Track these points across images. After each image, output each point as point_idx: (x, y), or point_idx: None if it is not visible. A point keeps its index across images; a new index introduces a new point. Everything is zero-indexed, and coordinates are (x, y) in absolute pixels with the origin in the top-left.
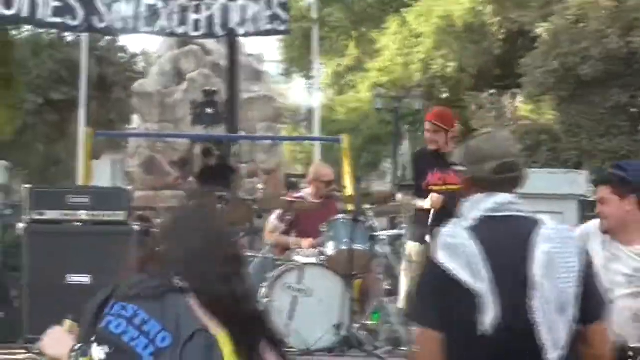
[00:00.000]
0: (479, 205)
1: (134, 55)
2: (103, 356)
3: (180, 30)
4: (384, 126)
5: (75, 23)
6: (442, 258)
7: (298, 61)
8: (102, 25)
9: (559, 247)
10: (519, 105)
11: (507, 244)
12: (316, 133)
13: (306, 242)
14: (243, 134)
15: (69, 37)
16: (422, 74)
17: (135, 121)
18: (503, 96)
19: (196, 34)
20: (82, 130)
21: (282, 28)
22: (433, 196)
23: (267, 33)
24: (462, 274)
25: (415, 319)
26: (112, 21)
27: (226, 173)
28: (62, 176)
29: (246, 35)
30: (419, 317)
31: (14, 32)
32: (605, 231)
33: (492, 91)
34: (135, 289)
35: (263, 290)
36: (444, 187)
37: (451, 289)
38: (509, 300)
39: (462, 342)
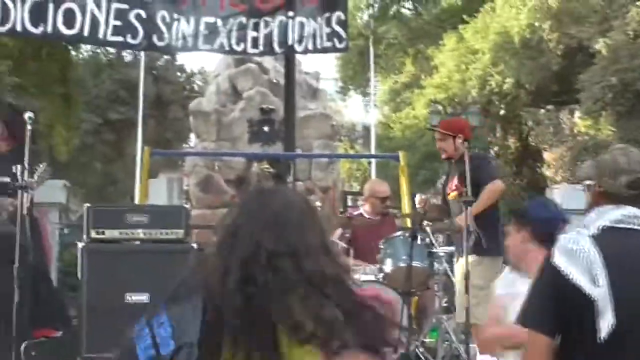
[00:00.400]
0: (605, 216)
1: (191, 74)
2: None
3: (239, 47)
4: None
5: (135, 41)
6: (561, 263)
7: (354, 79)
8: (162, 43)
9: None
10: (577, 121)
11: (628, 255)
12: (372, 150)
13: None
14: (300, 151)
15: (128, 57)
16: (479, 90)
17: (192, 140)
18: (561, 112)
19: (255, 51)
20: (139, 149)
21: (341, 46)
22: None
23: (326, 50)
24: (581, 280)
25: (528, 321)
26: (172, 39)
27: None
28: (119, 195)
29: (305, 52)
30: (531, 320)
31: (73, 53)
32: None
33: (549, 107)
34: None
35: None
36: (450, 197)
37: (568, 294)
38: (627, 309)
39: (577, 347)
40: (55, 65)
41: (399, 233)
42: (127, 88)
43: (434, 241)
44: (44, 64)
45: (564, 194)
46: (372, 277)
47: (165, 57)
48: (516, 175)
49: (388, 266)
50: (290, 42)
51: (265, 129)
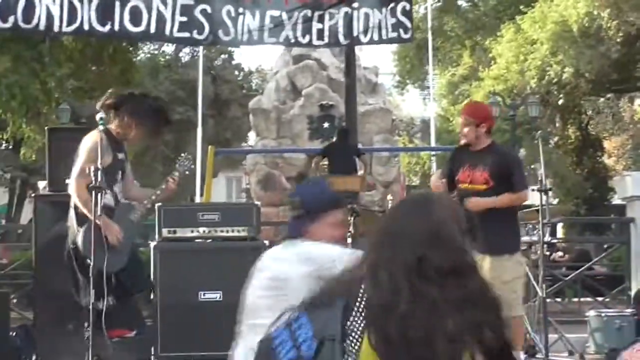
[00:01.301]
0: None
1: (249, 73)
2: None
3: (305, 40)
4: (500, 135)
5: (201, 37)
6: None
7: (411, 72)
8: (228, 38)
9: None
10: (637, 108)
11: None
12: (432, 144)
13: None
14: (361, 146)
15: (185, 57)
16: (538, 80)
17: (252, 138)
18: (620, 100)
19: (320, 43)
20: (199, 149)
21: (407, 36)
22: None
23: (391, 41)
24: None
25: None
26: (238, 33)
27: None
28: (179, 195)
29: (370, 43)
30: None
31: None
32: None
33: (609, 95)
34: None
35: None
36: (469, 187)
37: None
38: None
39: None
40: (116, 67)
41: None
42: (185, 88)
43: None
44: (106, 66)
45: (635, 181)
46: None
47: (223, 56)
48: (577, 165)
49: None
50: (355, 33)
51: (325, 125)
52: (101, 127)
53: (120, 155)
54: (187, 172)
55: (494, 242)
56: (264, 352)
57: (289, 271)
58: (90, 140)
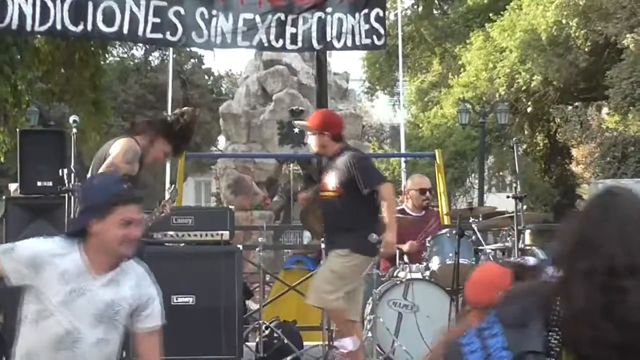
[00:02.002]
0: None
1: (219, 77)
2: None
3: (278, 44)
4: (469, 142)
5: (174, 38)
6: None
7: (381, 79)
8: (201, 40)
9: None
10: (605, 117)
11: None
12: (401, 150)
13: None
14: None
15: (155, 61)
16: (507, 88)
17: (221, 142)
18: (588, 108)
19: (293, 47)
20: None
21: (380, 43)
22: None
23: (365, 47)
24: None
25: None
26: (211, 36)
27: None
28: (148, 199)
29: (343, 48)
30: None
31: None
32: None
33: (577, 104)
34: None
35: (368, 307)
36: (325, 194)
37: None
38: None
39: None
40: (86, 70)
41: (445, 230)
42: (154, 92)
43: (480, 238)
44: (75, 69)
45: None
46: (419, 275)
47: (192, 60)
48: (545, 172)
49: (435, 264)
50: (329, 38)
51: (296, 130)
52: (74, 130)
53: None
54: (173, 202)
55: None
56: (453, 357)
57: None
58: (129, 144)
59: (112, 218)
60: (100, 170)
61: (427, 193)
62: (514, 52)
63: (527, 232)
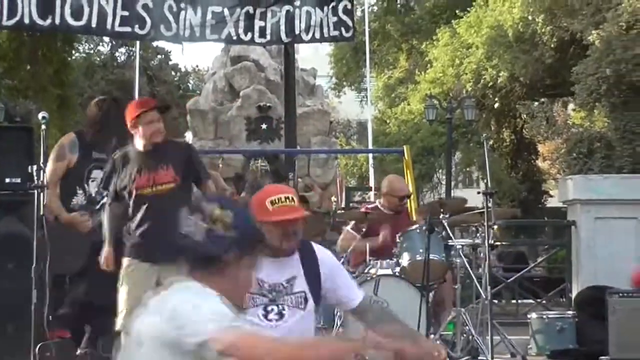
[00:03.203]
0: None
1: (186, 74)
2: None
3: (247, 37)
4: (436, 138)
5: (143, 32)
6: None
7: (348, 75)
8: (170, 33)
9: None
10: (570, 113)
11: None
12: (369, 146)
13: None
14: (299, 147)
15: (121, 57)
16: (474, 84)
17: (188, 139)
18: (554, 105)
19: (262, 40)
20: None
21: (348, 35)
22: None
23: (333, 39)
24: None
25: None
26: (179, 29)
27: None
28: None
29: (312, 41)
30: None
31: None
32: None
33: (543, 100)
34: None
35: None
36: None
37: None
38: None
39: None
40: (50, 67)
41: (415, 226)
42: (122, 88)
43: (450, 234)
44: (40, 66)
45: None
46: (389, 271)
47: (159, 56)
48: (511, 168)
49: (405, 260)
50: (297, 31)
51: (263, 126)
52: (43, 127)
53: (97, 155)
54: None
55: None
56: None
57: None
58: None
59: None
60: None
61: (405, 199)
62: (480, 48)
63: (495, 227)
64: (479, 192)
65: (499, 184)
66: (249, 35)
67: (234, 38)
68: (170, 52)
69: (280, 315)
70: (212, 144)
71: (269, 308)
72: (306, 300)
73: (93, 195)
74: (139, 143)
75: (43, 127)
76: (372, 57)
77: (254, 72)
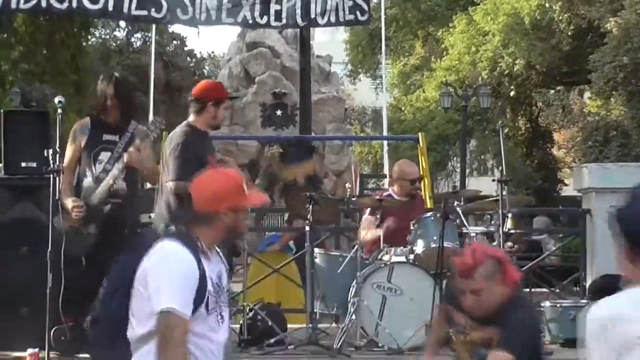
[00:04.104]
0: None
1: (201, 59)
2: None
3: (262, 20)
4: (451, 125)
5: (159, 15)
6: None
7: (363, 62)
8: (186, 17)
9: None
10: (587, 101)
11: None
12: (384, 133)
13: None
14: (314, 134)
15: (137, 42)
16: (490, 72)
17: None
18: (570, 93)
19: (278, 24)
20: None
21: (363, 18)
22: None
23: (348, 23)
24: None
25: None
26: (196, 12)
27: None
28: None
29: (327, 25)
30: None
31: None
32: None
33: (559, 88)
34: None
35: (352, 290)
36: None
37: None
38: None
39: None
40: (67, 51)
41: (429, 214)
42: (137, 74)
43: (464, 221)
44: (57, 50)
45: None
46: (402, 258)
47: (175, 42)
48: (527, 156)
49: (419, 247)
50: (313, 15)
51: (278, 112)
52: (60, 111)
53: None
54: (154, 136)
55: None
56: None
57: None
58: None
59: None
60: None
61: (417, 182)
62: (496, 35)
63: (509, 215)
64: (493, 180)
65: (514, 172)
66: (265, 18)
67: (250, 21)
68: (185, 38)
69: (222, 316)
70: (227, 129)
71: (218, 309)
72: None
73: (100, 176)
74: (204, 122)
75: (59, 111)
76: (388, 44)
77: (269, 58)
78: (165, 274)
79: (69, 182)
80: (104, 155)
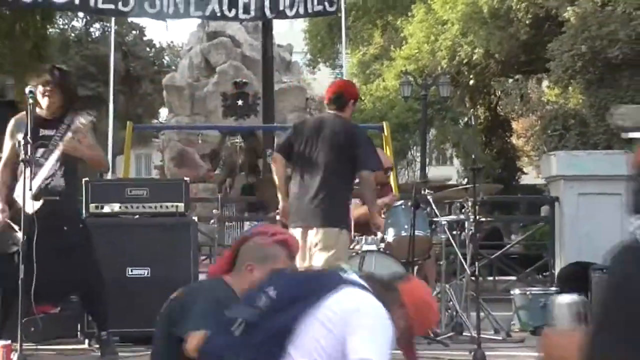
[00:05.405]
0: None
1: (161, 49)
2: None
3: (231, 13)
4: (411, 114)
5: (126, 8)
6: None
7: (323, 51)
8: (154, 10)
9: None
10: (545, 90)
11: None
12: None
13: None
14: (276, 124)
15: (96, 32)
16: (449, 61)
17: (164, 115)
18: (529, 81)
19: (246, 16)
20: (111, 125)
21: (332, 9)
22: None
23: (317, 14)
24: None
25: None
26: (164, 6)
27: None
28: (90, 171)
29: (296, 16)
30: None
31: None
32: None
33: (517, 77)
34: None
35: None
36: None
37: None
38: None
39: None
40: (29, 42)
41: (400, 202)
42: (96, 64)
43: (435, 210)
44: (18, 40)
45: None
46: (373, 247)
47: (134, 32)
48: (486, 145)
49: (390, 235)
50: (281, 7)
51: (239, 102)
52: (30, 101)
53: (44, 132)
54: (84, 125)
55: None
56: None
57: None
58: None
59: None
60: None
61: (389, 171)
62: (455, 24)
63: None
64: (465, 168)
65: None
66: (233, 11)
67: (218, 14)
68: (144, 28)
69: None
70: (189, 120)
71: None
72: None
73: (35, 172)
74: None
75: (30, 101)
76: (347, 34)
77: (230, 47)
78: (374, 327)
79: (4, 182)
80: (40, 152)
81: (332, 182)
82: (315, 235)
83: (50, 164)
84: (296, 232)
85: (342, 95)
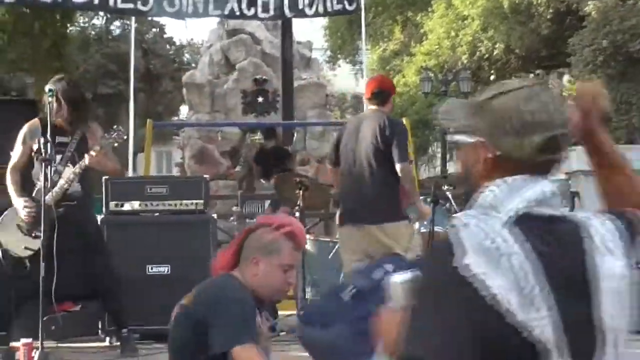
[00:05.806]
0: (521, 194)
1: (181, 47)
2: None
3: (250, 12)
4: (431, 110)
5: (146, 8)
6: (476, 267)
7: (342, 47)
8: (173, 9)
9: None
10: (566, 84)
11: (560, 259)
12: None
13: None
14: (296, 121)
15: (116, 30)
16: (469, 56)
17: (184, 112)
18: (550, 76)
19: (265, 15)
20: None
21: (351, 7)
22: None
23: (336, 13)
24: (509, 299)
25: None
26: (183, 5)
27: (282, 156)
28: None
29: (315, 15)
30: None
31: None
32: None
33: (538, 71)
34: None
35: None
36: None
37: (486, 320)
38: (577, 349)
39: None
40: (47, 40)
41: (420, 198)
42: (117, 62)
43: (454, 206)
44: (37, 39)
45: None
46: None
47: (154, 29)
48: None
49: None
50: (300, 6)
51: (259, 99)
52: (50, 99)
53: (59, 139)
54: (115, 145)
55: None
56: None
57: None
58: None
59: None
60: None
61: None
62: (476, 20)
63: None
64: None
65: None
66: (252, 10)
67: (237, 13)
68: (165, 26)
69: None
70: (209, 117)
71: None
72: None
73: (52, 178)
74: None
75: (50, 99)
76: (367, 30)
77: (250, 44)
78: None
79: (16, 182)
80: (57, 159)
81: (381, 177)
82: (378, 231)
83: (68, 173)
84: (351, 230)
85: (384, 90)
